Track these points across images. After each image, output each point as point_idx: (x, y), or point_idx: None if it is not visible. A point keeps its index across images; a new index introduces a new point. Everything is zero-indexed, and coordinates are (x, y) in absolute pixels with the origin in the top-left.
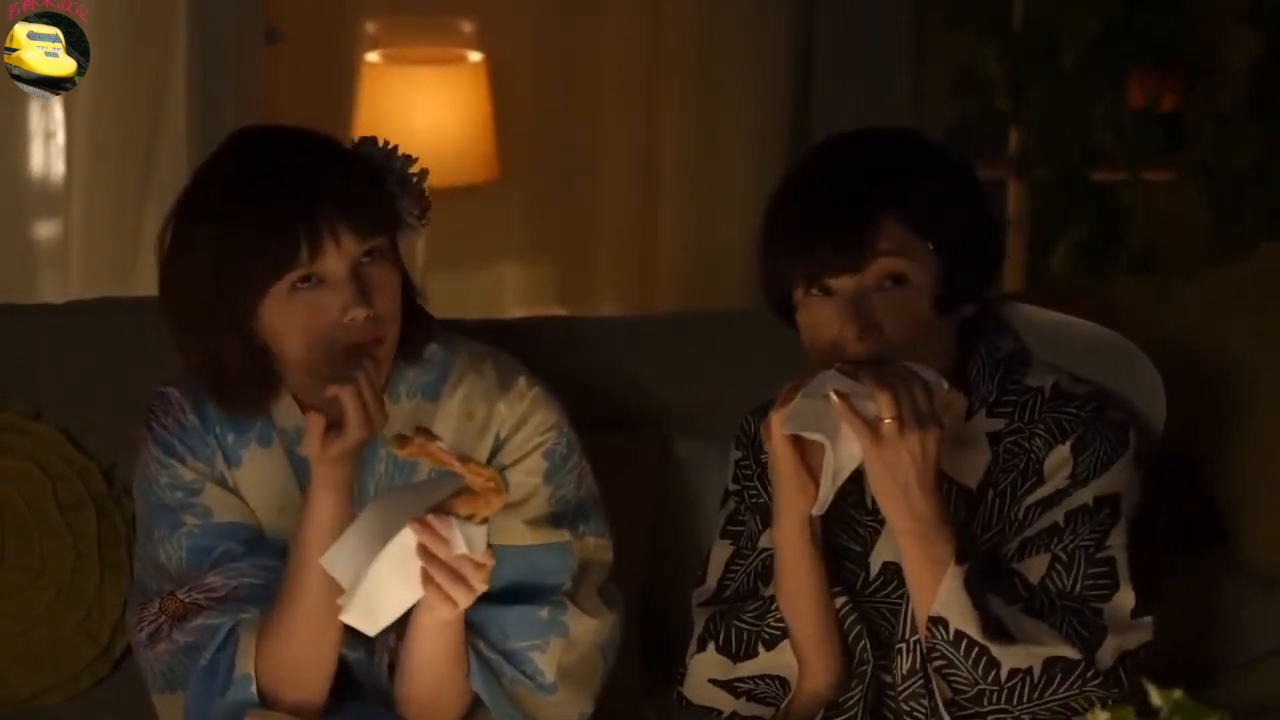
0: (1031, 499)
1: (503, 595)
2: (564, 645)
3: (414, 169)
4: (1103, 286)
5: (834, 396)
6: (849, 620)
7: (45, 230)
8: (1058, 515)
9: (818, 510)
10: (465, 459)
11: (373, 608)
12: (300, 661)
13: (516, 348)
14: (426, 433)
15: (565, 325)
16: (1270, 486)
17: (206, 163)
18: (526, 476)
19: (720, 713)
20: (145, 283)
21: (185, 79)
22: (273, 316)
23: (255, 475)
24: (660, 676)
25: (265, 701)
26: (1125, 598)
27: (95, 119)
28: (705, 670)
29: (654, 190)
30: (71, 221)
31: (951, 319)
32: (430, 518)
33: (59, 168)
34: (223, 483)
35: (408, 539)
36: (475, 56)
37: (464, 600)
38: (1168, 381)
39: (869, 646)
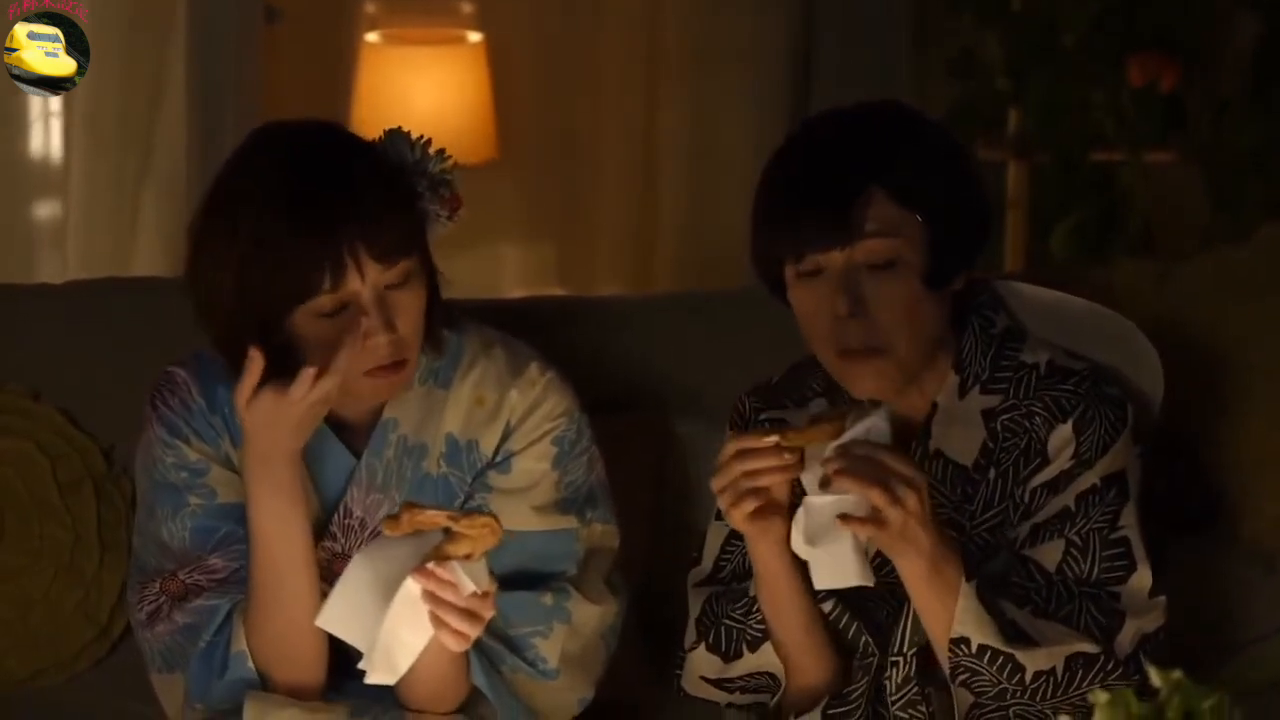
0: (1036, 481)
1: (507, 581)
2: (567, 631)
3: (446, 166)
4: (1102, 268)
5: (841, 525)
6: (844, 620)
7: (44, 211)
8: (1068, 499)
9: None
10: (455, 515)
11: (392, 661)
12: (286, 641)
13: (515, 327)
14: (412, 505)
15: (564, 305)
16: (1270, 467)
17: (230, 168)
18: (535, 463)
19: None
20: (143, 263)
21: (184, 60)
22: (295, 331)
23: None
24: (661, 659)
25: (263, 681)
26: (1142, 577)
27: (94, 100)
28: (698, 668)
29: (653, 170)
30: (70, 203)
31: (943, 293)
32: (432, 567)
33: (58, 149)
34: (228, 464)
35: (412, 589)
36: (474, 37)
37: (476, 633)
38: (1168, 363)
39: (871, 640)
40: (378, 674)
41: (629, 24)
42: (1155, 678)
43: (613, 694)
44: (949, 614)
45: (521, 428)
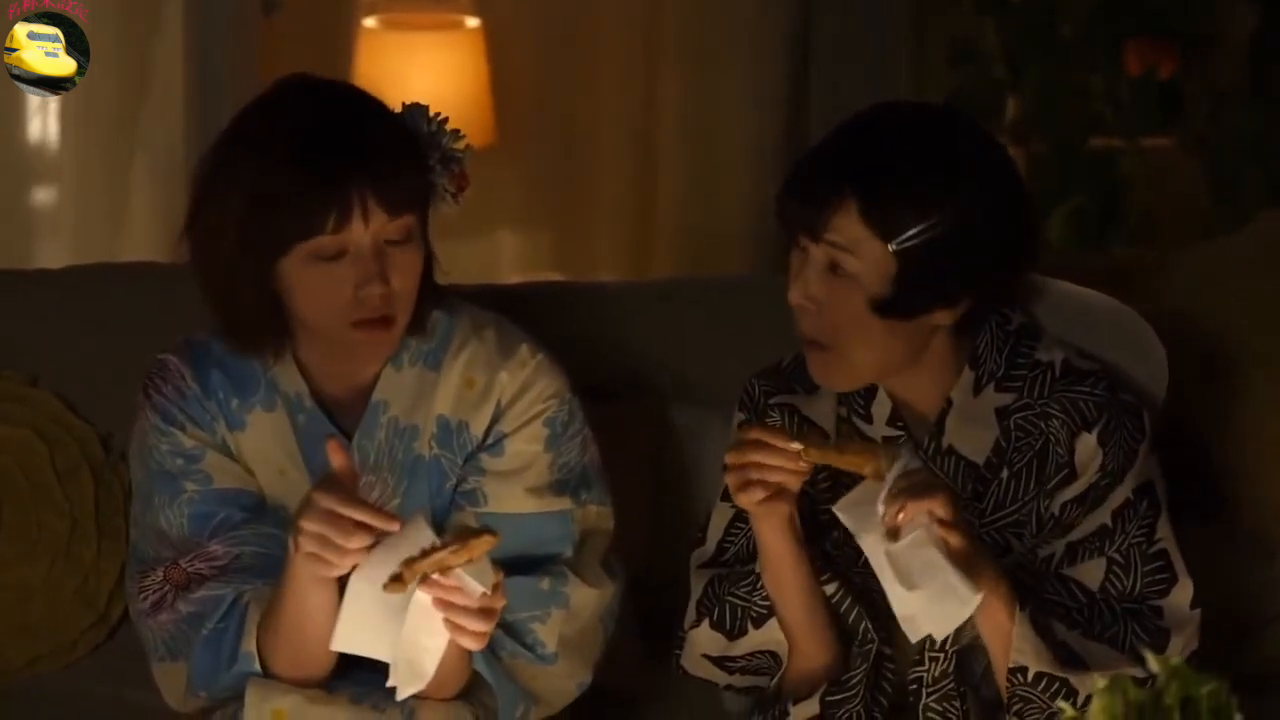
0: (1066, 495)
1: (504, 566)
2: (565, 616)
3: (459, 145)
4: (1101, 256)
5: (936, 544)
6: (845, 604)
7: (42, 198)
8: (1104, 516)
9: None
10: (453, 548)
11: (417, 670)
12: (303, 650)
13: (513, 313)
14: (409, 561)
15: (562, 290)
16: (1271, 454)
17: (251, 106)
18: (527, 445)
19: (716, 684)
20: (141, 251)
21: (182, 49)
22: (290, 276)
23: (258, 438)
24: (659, 644)
25: (269, 674)
26: (1184, 589)
27: (91, 89)
28: (700, 646)
29: (651, 156)
30: (68, 190)
31: (908, 324)
32: (437, 579)
33: (56, 137)
34: (224, 449)
35: (422, 599)
36: (472, 22)
37: (491, 627)
38: (1168, 351)
39: (871, 627)
40: (406, 686)
41: (627, 9)
42: (1153, 664)
43: (610, 679)
44: (1006, 630)
45: (512, 409)
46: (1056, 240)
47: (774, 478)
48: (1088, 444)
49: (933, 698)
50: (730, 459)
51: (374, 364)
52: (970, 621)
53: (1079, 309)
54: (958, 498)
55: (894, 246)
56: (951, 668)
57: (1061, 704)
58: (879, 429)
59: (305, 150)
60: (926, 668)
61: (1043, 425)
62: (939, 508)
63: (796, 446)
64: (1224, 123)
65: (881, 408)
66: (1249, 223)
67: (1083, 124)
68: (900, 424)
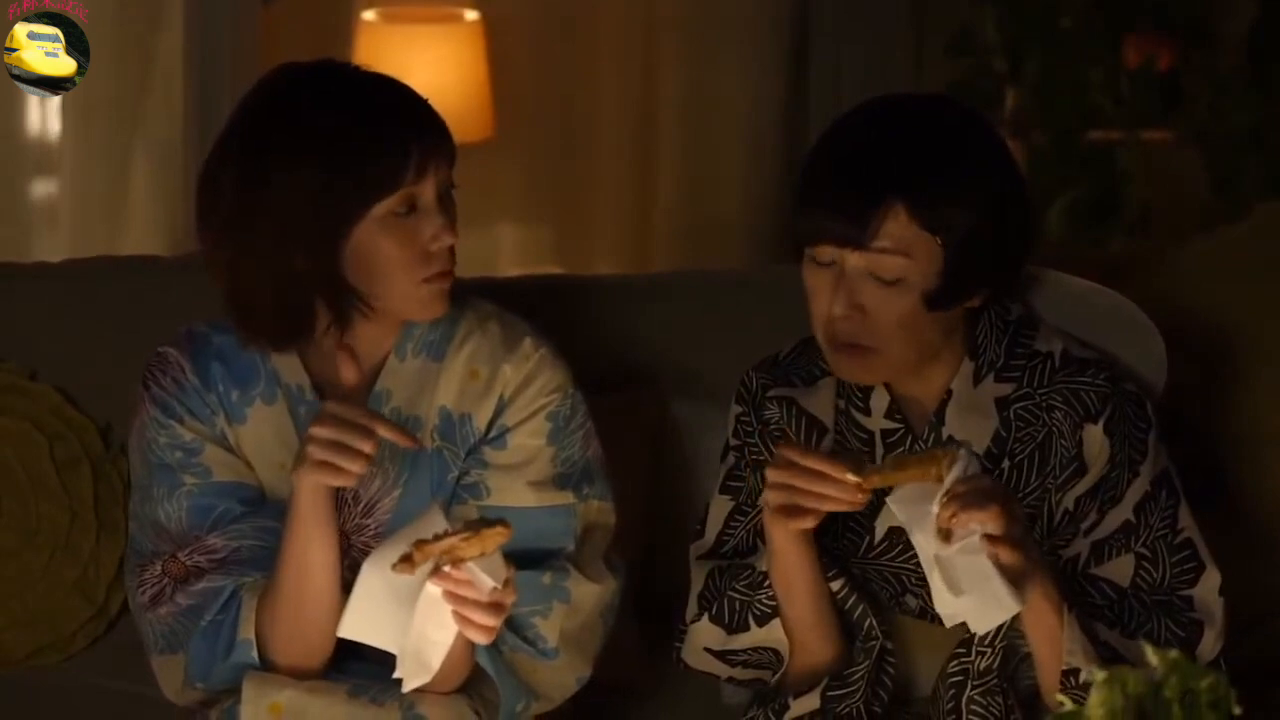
0: (1079, 490)
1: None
2: (566, 610)
3: None
4: (1100, 249)
5: (988, 557)
6: (850, 601)
7: (41, 190)
8: (1126, 512)
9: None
10: (465, 535)
11: (423, 662)
12: (303, 636)
13: (512, 306)
14: (421, 543)
15: (561, 284)
16: (1271, 446)
17: (264, 94)
18: (530, 438)
19: (717, 676)
20: (140, 244)
21: (182, 40)
22: (366, 242)
23: (259, 432)
24: (658, 637)
25: (266, 663)
26: (1212, 577)
27: (91, 80)
28: (701, 639)
29: (651, 149)
30: (67, 182)
31: (945, 313)
32: (449, 570)
33: (55, 129)
34: (223, 442)
35: (432, 590)
36: (471, 15)
37: (499, 623)
38: (1168, 343)
39: (875, 623)
40: (412, 678)
41: (626, 2)
42: (1152, 656)
43: (609, 672)
44: (1055, 632)
45: (515, 402)
46: (1055, 233)
47: (827, 507)
48: (1094, 435)
49: (977, 691)
50: (775, 476)
51: (436, 313)
52: (1014, 617)
53: (1078, 301)
54: (1014, 504)
55: (945, 239)
56: (997, 663)
57: (1061, 697)
58: (877, 421)
59: (376, 106)
60: (972, 660)
61: (1045, 417)
62: (991, 523)
63: (854, 479)
64: (1223, 115)
65: (880, 400)
66: (1248, 215)
67: (1082, 116)
68: (898, 416)
